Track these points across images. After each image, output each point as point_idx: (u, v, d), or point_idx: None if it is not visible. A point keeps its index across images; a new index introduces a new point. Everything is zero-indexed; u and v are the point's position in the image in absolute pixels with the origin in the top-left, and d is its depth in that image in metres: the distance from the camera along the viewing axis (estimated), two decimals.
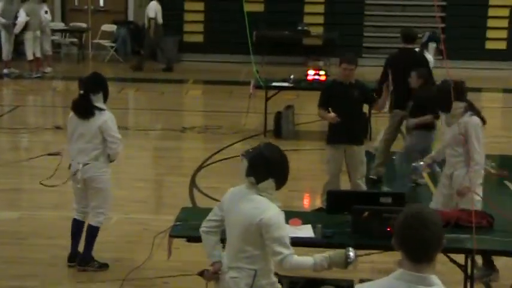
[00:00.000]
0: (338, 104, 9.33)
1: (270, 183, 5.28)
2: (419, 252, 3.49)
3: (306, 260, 5.21)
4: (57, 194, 10.28)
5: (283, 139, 13.63)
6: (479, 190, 7.84)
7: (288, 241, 5.20)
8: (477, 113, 7.86)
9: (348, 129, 9.32)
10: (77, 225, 8.06)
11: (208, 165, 12.15)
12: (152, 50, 21.46)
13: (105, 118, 7.76)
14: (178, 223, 6.86)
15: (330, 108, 9.41)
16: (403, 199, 6.81)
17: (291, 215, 6.91)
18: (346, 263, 5.19)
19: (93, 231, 7.95)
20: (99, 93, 7.80)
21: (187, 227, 6.78)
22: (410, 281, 3.47)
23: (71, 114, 7.90)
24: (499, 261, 7.94)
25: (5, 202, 10.17)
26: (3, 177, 11.13)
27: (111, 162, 7.98)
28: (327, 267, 5.25)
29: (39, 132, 14.18)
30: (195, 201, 10.14)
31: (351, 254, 5.18)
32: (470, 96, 18.53)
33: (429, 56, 12.70)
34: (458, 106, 7.76)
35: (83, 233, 8.05)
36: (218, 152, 12.85)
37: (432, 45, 12.61)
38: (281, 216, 5.24)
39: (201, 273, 5.66)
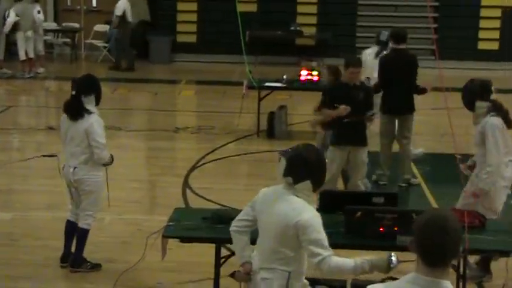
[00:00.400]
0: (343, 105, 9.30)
1: (307, 184, 5.23)
2: (436, 257, 3.46)
3: (346, 262, 5.15)
4: (49, 195, 10.31)
5: (276, 139, 13.65)
6: (504, 193, 7.82)
7: (326, 243, 5.14)
8: (503, 114, 7.78)
9: (353, 130, 9.33)
10: (70, 227, 8.05)
11: (201, 165, 12.15)
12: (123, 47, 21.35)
13: (92, 121, 7.70)
14: (171, 223, 6.85)
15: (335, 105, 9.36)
16: (395, 199, 6.82)
17: None
18: (388, 267, 5.14)
19: (83, 233, 7.93)
20: (91, 95, 7.76)
21: (180, 227, 6.78)
22: (423, 285, 3.46)
23: (63, 115, 7.89)
24: (492, 262, 7.96)
25: None
26: None
27: (106, 165, 7.95)
28: (368, 271, 5.20)
29: (32, 132, 14.18)
30: (188, 202, 10.14)
31: (393, 259, 5.13)
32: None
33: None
34: (481, 106, 7.74)
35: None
36: (211, 152, 12.85)
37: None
38: (318, 218, 5.19)
39: (233, 275, 5.62)
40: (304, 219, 5.12)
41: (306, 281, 5.39)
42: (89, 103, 7.75)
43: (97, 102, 7.87)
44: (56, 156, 8.43)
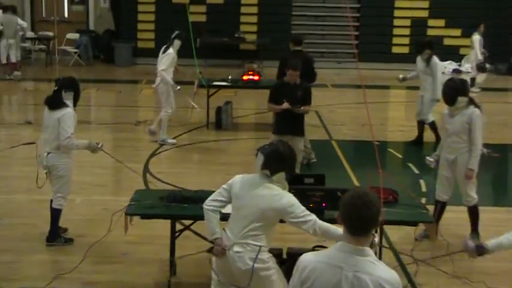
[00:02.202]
0: (285, 101, 9.34)
1: (282, 175, 5.26)
2: (359, 227, 3.51)
3: (333, 227, 5.13)
4: (28, 180, 10.09)
5: (223, 130, 13.65)
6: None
7: (308, 212, 5.19)
8: (478, 106, 7.85)
9: (291, 122, 9.35)
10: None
11: (159, 153, 12.08)
12: None
13: (65, 112, 7.59)
14: (132, 203, 6.80)
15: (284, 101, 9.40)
16: (323, 180, 6.82)
17: None
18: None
19: (55, 213, 7.81)
20: (70, 91, 7.69)
21: (141, 206, 6.73)
22: (348, 251, 3.51)
23: (46, 108, 7.78)
24: (403, 231, 8.06)
25: None
26: None
27: (94, 152, 7.86)
28: None
29: (13, 126, 13.95)
30: (148, 184, 10.07)
31: (375, 239, 5.06)
32: (380, 93, 18.75)
33: (171, 51, 12.39)
34: (463, 100, 7.76)
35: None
36: None
37: (177, 43, 12.63)
38: (295, 198, 5.23)
39: (210, 250, 5.51)
40: (286, 201, 5.16)
41: (269, 253, 5.36)
42: (67, 98, 7.67)
43: (75, 102, 7.79)
44: (34, 143, 8.31)
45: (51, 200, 7.89)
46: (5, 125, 14.22)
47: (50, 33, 22.71)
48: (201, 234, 7.32)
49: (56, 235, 7.83)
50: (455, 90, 7.81)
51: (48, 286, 6.72)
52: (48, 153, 7.67)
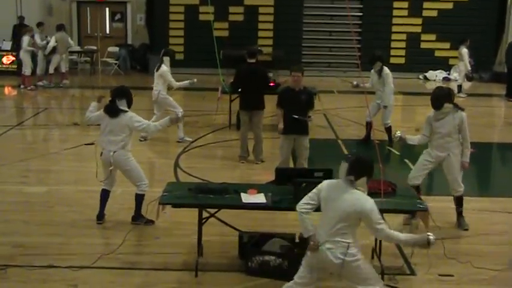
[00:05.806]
0: (290, 105, 9.28)
1: (363, 180, 5.28)
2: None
3: (396, 235, 5.23)
4: (76, 173, 10.19)
5: None
6: None
7: (382, 219, 5.23)
8: (462, 109, 7.86)
9: (296, 124, 9.26)
10: (104, 194, 8.01)
11: (188, 150, 12.08)
12: None
13: (129, 116, 7.72)
14: (165, 194, 6.81)
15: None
16: (331, 174, 6.79)
17: (249, 186, 6.91)
18: (428, 243, 5.16)
19: (139, 198, 7.90)
20: (122, 99, 7.76)
21: (172, 196, 6.73)
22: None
23: (104, 114, 7.82)
24: (399, 217, 8.01)
25: (37, 180, 10.02)
26: (37, 161, 10.96)
27: (178, 122, 8.04)
28: (411, 245, 5.31)
29: (62, 127, 14.01)
30: (178, 177, 10.08)
31: (431, 238, 5.15)
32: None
33: (164, 67, 12.80)
34: (449, 106, 7.74)
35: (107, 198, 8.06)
36: (195, 140, 12.79)
37: (167, 59, 12.79)
38: (375, 204, 5.23)
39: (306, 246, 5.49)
40: (368, 208, 5.17)
41: (357, 247, 5.33)
42: (122, 105, 7.76)
43: (129, 105, 7.85)
44: (93, 144, 8.38)
45: (103, 189, 7.97)
46: (55, 125, 14.29)
47: (94, 47, 22.80)
48: (224, 221, 7.31)
49: (139, 216, 7.89)
50: (442, 97, 7.77)
51: (93, 265, 6.75)
52: (114, 152, 7.72)
